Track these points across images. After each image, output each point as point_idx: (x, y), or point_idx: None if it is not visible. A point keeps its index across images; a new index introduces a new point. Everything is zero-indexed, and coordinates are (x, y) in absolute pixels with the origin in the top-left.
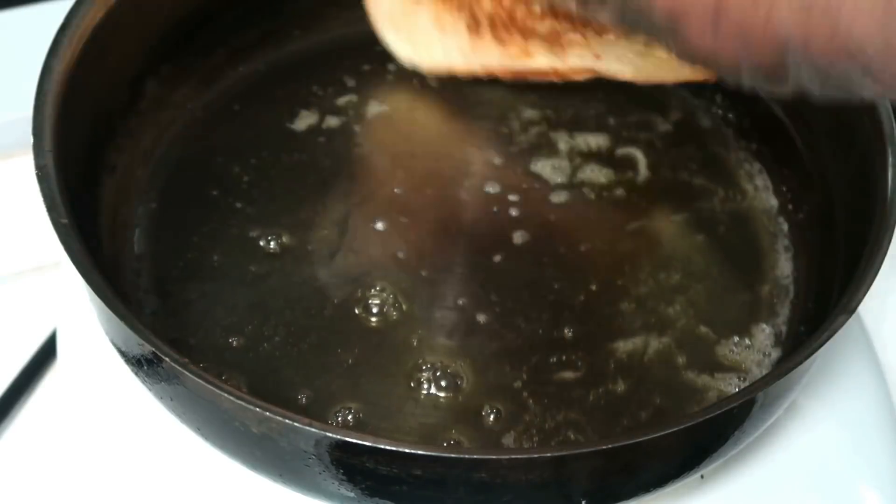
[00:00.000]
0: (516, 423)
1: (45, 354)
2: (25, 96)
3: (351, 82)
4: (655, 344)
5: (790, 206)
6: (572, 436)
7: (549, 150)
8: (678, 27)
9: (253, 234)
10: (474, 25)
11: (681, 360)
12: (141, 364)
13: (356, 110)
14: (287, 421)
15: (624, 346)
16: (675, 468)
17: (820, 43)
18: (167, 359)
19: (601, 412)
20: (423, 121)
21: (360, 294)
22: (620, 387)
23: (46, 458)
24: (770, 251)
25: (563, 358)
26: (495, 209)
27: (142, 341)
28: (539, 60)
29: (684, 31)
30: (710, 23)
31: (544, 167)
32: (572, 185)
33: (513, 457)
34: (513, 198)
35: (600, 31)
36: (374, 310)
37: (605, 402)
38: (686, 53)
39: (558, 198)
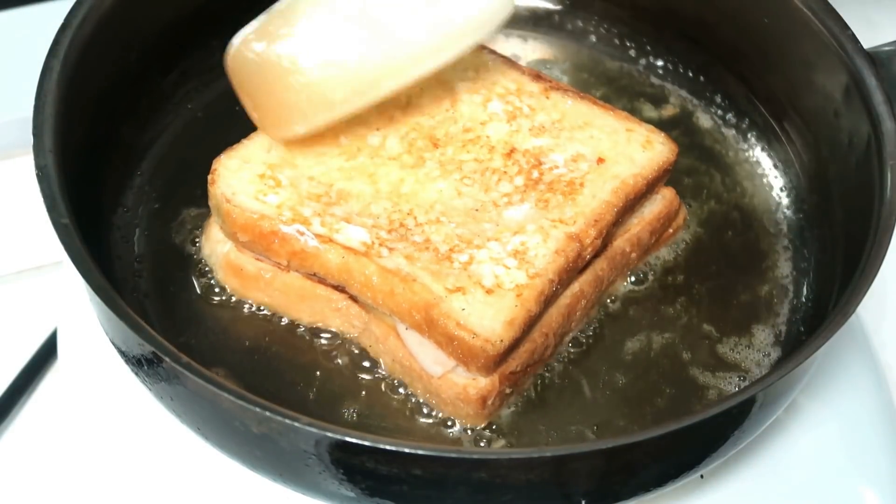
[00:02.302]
0: (521, 423)
1: (46, 354)
2: (25, 96)
3: None
4: (660, 339)
5: (790, 207)
6: (578, 433)
7: None
8: None
9: None
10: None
11: (685, 357)
12: (141, 364)
13: None
14: (287, 421)
15: (631, 344)
16: (675, 468)
17: None
18: (167, 359)
19: (605, 408)
20: None
21: None
22: (624, 382)
23: (46, 458)
24: (770, 251)
25: (570, 354)
26: None
27: (142, 341)
28: None
29: None
30: None
31: None
32: None
33: (513, 457)
34: None
35: None
36: None
37: (609, 398)
38: None
39: None
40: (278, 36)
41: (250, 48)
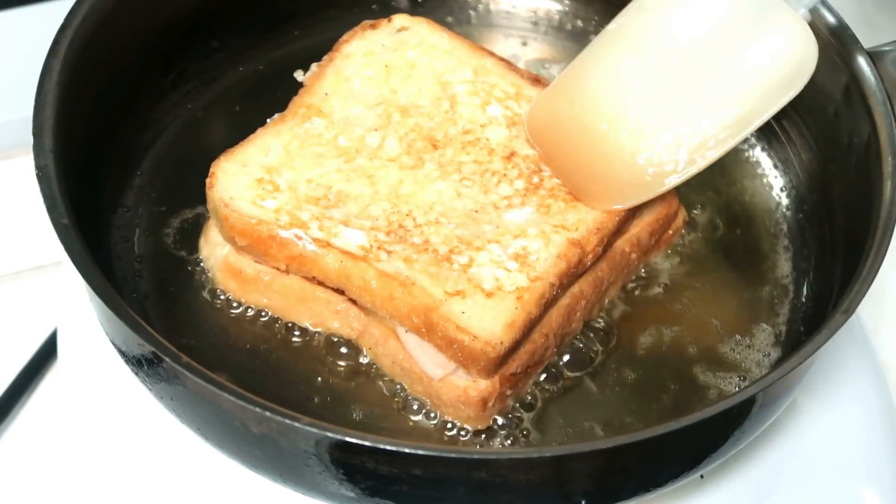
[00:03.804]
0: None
1: (46, 354)
2: (25, 96)
3: None
4: (660, 338)
5: (790, 207)
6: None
7: None
8: None
9: None
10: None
11: (685, 356)
12: (141, 364)
13: None
14: (287, 421)
15: (634, 342)
16: (675, 468)
17: None
18: (167, 359)
19: (612, 402)
20: None
21: None
22: (632, 378)
23: (46, 458)
24: (770, 252)
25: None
26: None
27: (142, 341)
28: None
29: None
30: None
31: None
32: None
33: (513, 457)
34: None
35: None
36: None
37: (618, 392)
38: None
39: None
40: (585, 105)
41: (562, 118)
